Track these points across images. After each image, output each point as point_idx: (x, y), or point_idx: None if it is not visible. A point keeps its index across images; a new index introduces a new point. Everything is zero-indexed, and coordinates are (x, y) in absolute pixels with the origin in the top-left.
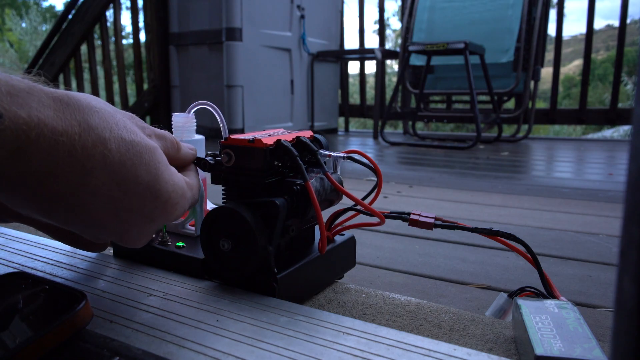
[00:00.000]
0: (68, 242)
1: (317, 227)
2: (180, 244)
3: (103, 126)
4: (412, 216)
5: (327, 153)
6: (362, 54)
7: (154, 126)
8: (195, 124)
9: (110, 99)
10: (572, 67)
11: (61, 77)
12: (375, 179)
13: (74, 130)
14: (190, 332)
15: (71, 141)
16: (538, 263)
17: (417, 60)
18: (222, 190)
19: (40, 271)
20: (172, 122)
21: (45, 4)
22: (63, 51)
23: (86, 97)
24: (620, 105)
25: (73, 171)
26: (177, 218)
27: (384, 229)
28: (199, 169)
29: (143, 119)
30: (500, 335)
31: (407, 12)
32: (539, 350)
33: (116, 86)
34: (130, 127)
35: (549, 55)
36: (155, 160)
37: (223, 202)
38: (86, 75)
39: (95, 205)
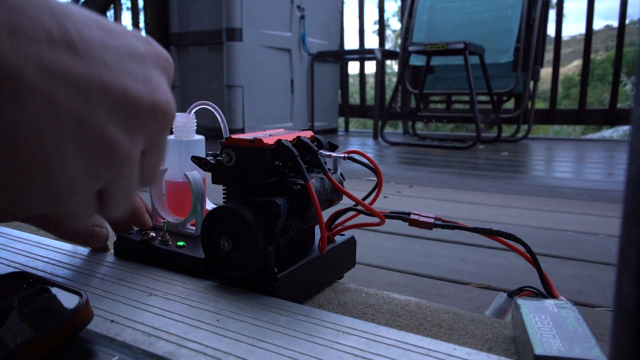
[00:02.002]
0: (54, 232)
1: (317, 227)
2: (180, 243)
3: None
4: (412, 216)
5: (328, 153)
6: (362, 54)
7: None
8: (196, 124)
9: None
10: (571, 67)
11: None
12: (376, 179)
13: None
14: (191, 332)
15: None
16: (538, 263)
17: (417, 61)
18: (223, 190)
19: (41, 271)
20: (173, 122)
21: None
22: None
23: None
24: (619, 105)
25: (41, 16)
26: (171, 67)
27: (384, 229)
28: (200, 169)
29: None
30: (499, 335)
31: (407, 12)
32: (539, 350)
33: None
34: None
35: (549, 56)
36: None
37: (223, 202)
38: None
39: (97, 59)
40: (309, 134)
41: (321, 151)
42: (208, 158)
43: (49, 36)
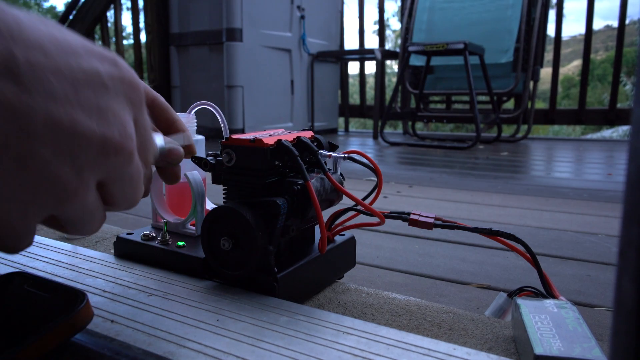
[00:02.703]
0: None
1: (317, 227)
2: (180, 243)
3: None
4: (412, 216)
5: (328, 153)
6: (362, 54)
7: None
8: (196, 124)
9: None
10: (571, 67)
11: None
12: (376, 179)
13: None
14: (191, 332)
15: None
16: (537, 263)
17: (416, 61)
18: (223, 190)
19: (41, 271)
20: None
21: (46, 5)
22: None
23: None
24: (619, 105)
25: None
26: (141, 95)
27: (384, 229)
28: (200, 169)
29: None
30: (499, 335)
31: (407, 12)
32: (539, 350)
33: None
34: None
35: (548, 56)
36: (74, 35)
37: (224, 202)
38: None
39: (45, 87)
40: (309, 134)
41: (321, 151)
42: (208, 158)
43: None
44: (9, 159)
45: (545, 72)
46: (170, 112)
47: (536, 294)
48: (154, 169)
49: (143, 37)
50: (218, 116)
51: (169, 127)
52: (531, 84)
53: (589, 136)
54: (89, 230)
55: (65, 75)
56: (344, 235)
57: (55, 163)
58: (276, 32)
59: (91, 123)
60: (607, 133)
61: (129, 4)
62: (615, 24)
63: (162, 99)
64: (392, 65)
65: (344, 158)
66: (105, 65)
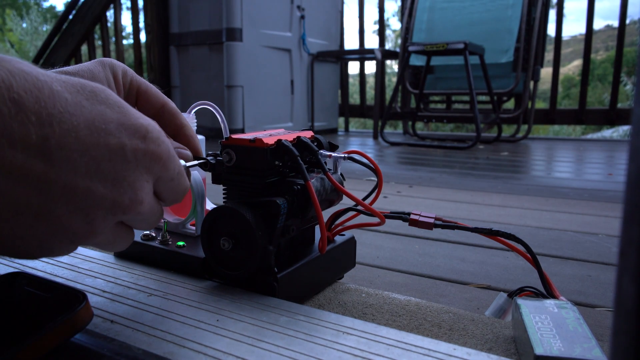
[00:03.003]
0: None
1: (317, 227)
2: (180, 243)
3: (37, 71)
4: (412, 216)
5: (328, 153)
6: (362, 54)
7: None
8: (196, 124)
9: None
10: (571, 67)
11: None
12: (376, 179)
13: (3, 73)
14: (191, 332)
15: (6, 85)
16: (538, 263)
17: (417, 61)
18: (223, 190)
19: (40, 271)
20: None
21: (45, 5)
22: (64, 51)
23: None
24: (619, 105)
25: (24, 122)
26: (166, 163)
27: (384, 229)
28: (200, 169)
29: None
30: (499, 335)
31: (407, 12)
32: (539, 350)
33: None
34: (63, 75)
35: (549, 56)
36: (113, 96)
37: (224, 202)
38: None
39: (69, 164)
40: (309, 134)
41: (321, 151)
42: (208, 158)
43: (25, 144)
44: (29, 214)
45: (546, 72)
46: (179, 118)
47: (536, 294)
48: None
49: (143, 37)
50: (218, 116)
51: (177, 132)
52: (531, 83)
53: (589, 136)
54: (113, 249)
55: (90, 154)
56: (344, 235)
57: (68, 217)
58: (276, 32)
59: (105, 190)
60: (607, 133)
61: (128, 4)
62: (615, 23)
63: (171, 105)
64: (392, 65)
65: (344, 158)
66: (133, 140)
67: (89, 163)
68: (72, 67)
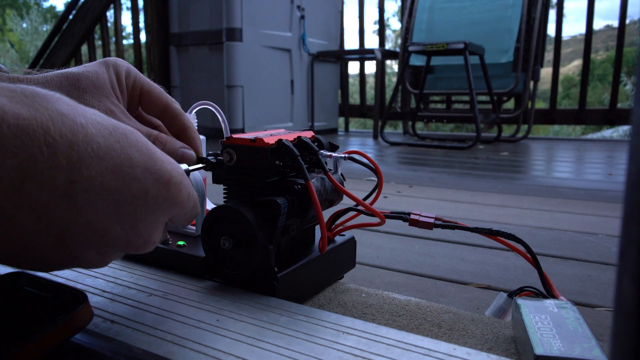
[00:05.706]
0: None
1: (317, 227)
2: (180, 243)
3: (75, 112)
4: (412, 216)
5: (328, 153)
6: (362, 54)
7: None
8: (197, 124)
9: None
10: (571, 67)
11: None
12: (376, 179)
13: (43, 116)
14: (191, 332)
15: (44, 129)
16: (538, 263)
17: (417, 61)
18: (223, 189)
19: None
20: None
21: (46, 5)
22: (64, 51)
23: (45, 89)
24: (619, 105)
25: (56, 166)
26: (185, 205)
27: (384, 229)
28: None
29: None
30: (499, 335)
31: (407, 12)
32: (539, 350)
33: None
34: (100, 113)
35: (549, 56)
36: (142, 140)
37: (224, 202)
38: None
39: (91, 206)
40: (309, 134)
41: (322, 151)
42: (209, 157)
43: (53, 187)
44: (45, 245)
45: (546, 72)
46: (183, 119)
47: (536, 294)
48: None
49: (143, 37)
50: (218, 116)
51: (180, 133)
52: (531, 83)
53: (589, 136)
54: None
55: (113, 197)
56: (344, 235)
57: (82, 252)
58: (276, 32)
59: (122, 232)
60: (607, 133)
61: (129, 4)
62: (615, 23)
63: (176, 105)
64: (392, 65)
65: (345, 158)
66: (156, 186)
67: (111, 206)
68: (77, 68)
